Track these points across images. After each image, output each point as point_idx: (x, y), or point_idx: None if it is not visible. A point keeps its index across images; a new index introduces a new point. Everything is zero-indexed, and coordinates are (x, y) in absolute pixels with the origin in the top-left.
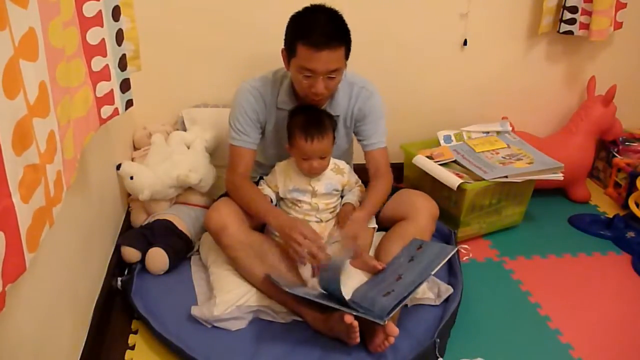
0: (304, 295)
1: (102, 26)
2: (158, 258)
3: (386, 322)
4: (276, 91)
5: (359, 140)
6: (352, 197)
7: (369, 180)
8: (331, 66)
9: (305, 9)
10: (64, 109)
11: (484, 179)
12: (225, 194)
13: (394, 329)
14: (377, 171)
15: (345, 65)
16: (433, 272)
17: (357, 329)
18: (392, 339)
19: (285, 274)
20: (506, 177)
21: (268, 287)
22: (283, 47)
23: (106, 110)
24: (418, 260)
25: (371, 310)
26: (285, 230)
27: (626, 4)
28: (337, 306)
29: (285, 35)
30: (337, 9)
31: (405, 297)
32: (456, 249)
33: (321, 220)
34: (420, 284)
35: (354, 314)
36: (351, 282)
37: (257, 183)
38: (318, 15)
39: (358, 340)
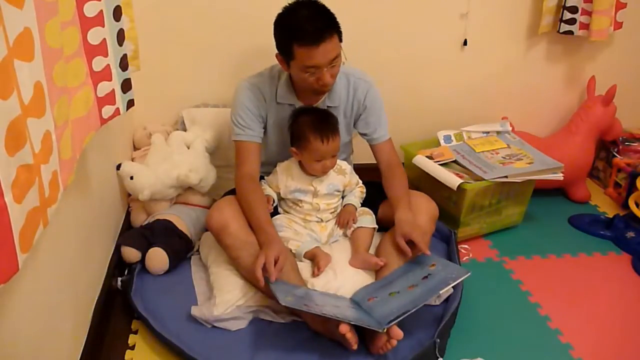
0: (299, 308)
1: (103, 26)
2: (158, 258)
3: (385, 329)
4: (274, 86)
5: (363, 135)
6: (353, 199)
7: (382, 175)
8: (332, 55)
9: (286, 9)
10: (61, 109)
11: (484, 179)
12: (229, 193)
13: (398, 332)
14: (390, 164)
15: (341, 47)
16: (442, 292)
17: (352, 339)
18: (394, 342)
19: (287, 273)
20: (506, 177)
21: (268, 287)
22: (277, 52)
23: (107, 110)
24: (431, 277)
25: (371, 316)
26: (262, 248)
27: (626, 4)
28: (334, 317)
29: (276, 40)
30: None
31: (410, 311)
32: (469, 273)
33: (322, 220)
34: (427, 300)
35: (352, 322)
36: (353, 283)
37: None
38: (302, 11)
39: (355, 347)
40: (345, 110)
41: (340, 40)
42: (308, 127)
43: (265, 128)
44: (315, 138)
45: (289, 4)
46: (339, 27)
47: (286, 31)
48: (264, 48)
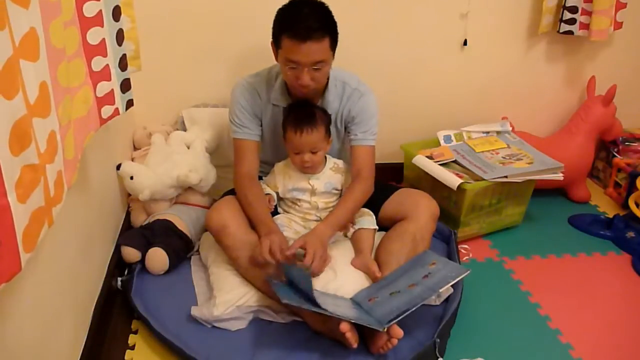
0: (299, 305)
1: (102, 26)
2: (158, 258)
3: (385, 328)
4: (270, 87)
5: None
6: None
7: (351, 180)
8: (315, 57)
9: (290, 2)
10: (65, 109)
11: (484, 179)
12: (228, 193)
13: (398, 331)
14: (358, 173)
15: (333, 57)
16: (441, 290)
17: (352, 339)
18: (395, 341)
19: None
20: (506, 177)
21: (268, 287)
22: (271, 40)
23: (107, 110)
24: (432, 275)
25: (371, 315)
26: (262, 240)
27: (626, 4)
28: (334, 315)
29: (273, 28)
30: (326, 4)
31: (410, 310)
32: (469, 271)
33: (321, 219)
34: (426, 298)
35: (352, 321)
36: (353, 283)
37: None
38: (302, 7)
39: (356, 346)
40: (336, 119)
41: (333, 48)
42: (287, 118)
43: (261, 127)
44: (290, 129)
45: None
46: (333, 33)
47: (281, 20)
48: (264, 48)
